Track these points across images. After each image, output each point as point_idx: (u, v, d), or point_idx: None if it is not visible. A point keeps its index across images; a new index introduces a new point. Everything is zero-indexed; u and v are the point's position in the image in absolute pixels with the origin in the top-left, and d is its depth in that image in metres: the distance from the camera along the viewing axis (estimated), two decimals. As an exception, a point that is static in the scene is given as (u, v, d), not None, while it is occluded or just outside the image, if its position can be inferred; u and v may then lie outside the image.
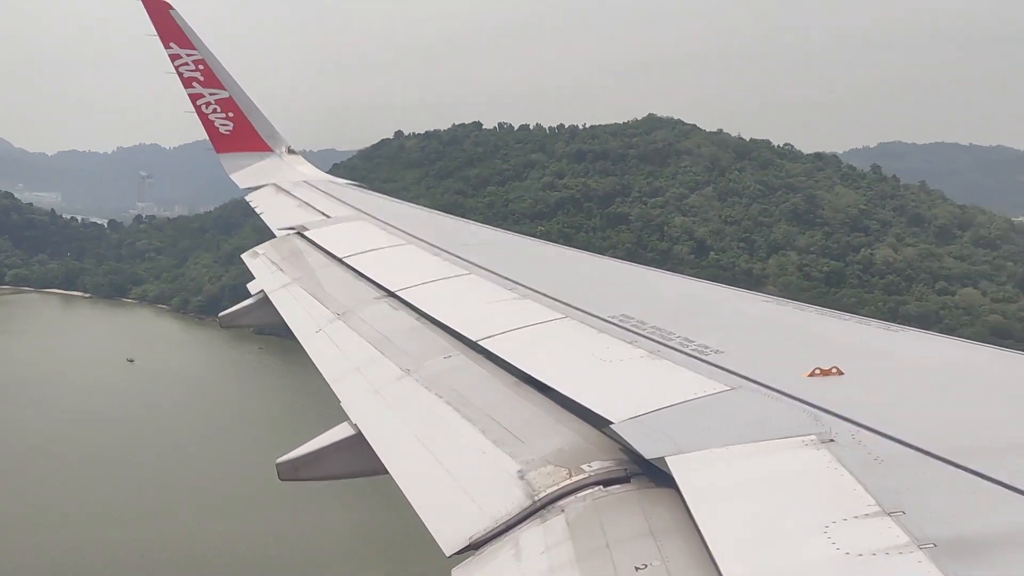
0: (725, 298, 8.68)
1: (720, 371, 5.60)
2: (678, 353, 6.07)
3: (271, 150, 20.64)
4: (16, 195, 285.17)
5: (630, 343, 6.42)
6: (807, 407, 4.81)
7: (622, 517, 4.30)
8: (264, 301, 11.59)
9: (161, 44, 19.11)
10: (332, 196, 17.00)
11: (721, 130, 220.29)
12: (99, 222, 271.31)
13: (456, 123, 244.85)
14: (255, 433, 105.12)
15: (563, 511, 4.51)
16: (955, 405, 5.06)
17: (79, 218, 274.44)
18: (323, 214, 15.20)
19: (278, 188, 18.44)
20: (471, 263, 9.82)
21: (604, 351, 6.35)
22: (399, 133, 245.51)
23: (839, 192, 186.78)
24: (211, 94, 19.66)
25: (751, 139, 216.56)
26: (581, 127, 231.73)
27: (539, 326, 7.24)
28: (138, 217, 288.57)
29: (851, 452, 4.17)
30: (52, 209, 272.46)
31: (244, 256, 14.11)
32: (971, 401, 5.13)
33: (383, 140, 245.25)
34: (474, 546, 4.57)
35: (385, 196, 20.45)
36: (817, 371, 5.37)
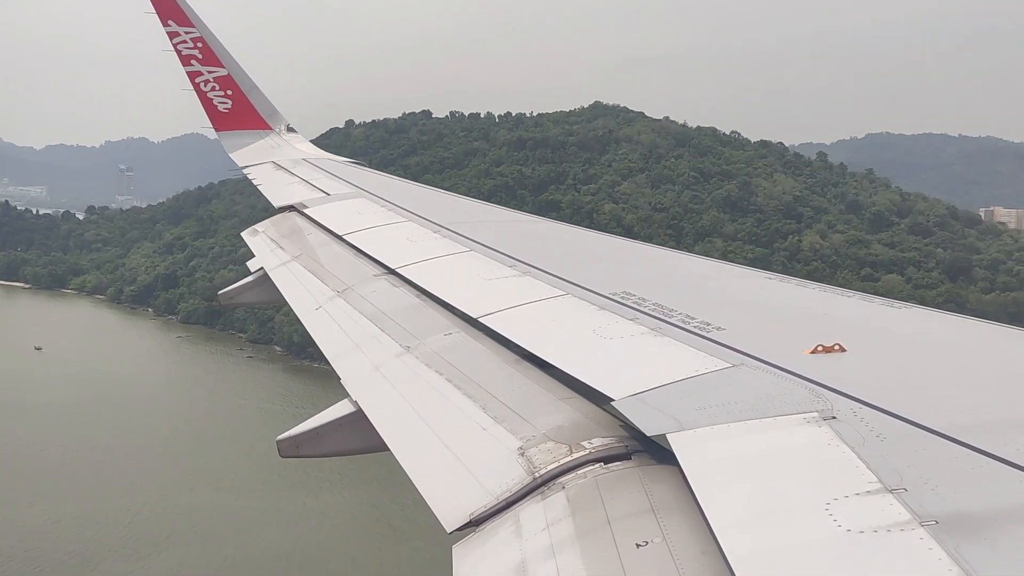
0: (727, 275, 8.65)
1: (722, 348, 5.58)
2: (679, 330, 6.05)
3: (270, 128, 20.55)
4: (0, 189, 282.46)
5: (631, 320, 6.40)
6: (809, 384, 4.80)
7: (623, 494, 4.29)
8: (263, 279, 11.57)
9: (159, 22, 18.98)
10: (331, 174, 16.93)
11: (667, 117, 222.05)
12: (75, 214, 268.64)
13: (407, 112, 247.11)
14: (146, 417, 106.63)
15: (564, 488, 4.50)
16: (957, 382, 5.04)
17: (35, 210, 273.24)
18: (322, 192, 15.15)
19: (277, 166, 18.37)
20: (471, 240, 9.79)
21: (605, 328, 6.33)
22: (350, 122, 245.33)
23: (777, 180, 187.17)
24: (209, 72, 19.54)
25: (697, 127, 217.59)
26: (529, 115, 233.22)
27: (540, 303, 7.22)
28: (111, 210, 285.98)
29: (853, 429, 4.16)
30: (6, 200, 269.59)
31: (244, 234, 14.08)
32: (973, 378, 5.11)
33: (332, 128, 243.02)
34: (475, 523, 4.57)
35: (385, 174, 20.39)
36: (819, 348, 5.35)
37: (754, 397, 4.74)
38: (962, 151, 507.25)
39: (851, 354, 5.32)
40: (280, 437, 7.29)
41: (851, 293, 7.54)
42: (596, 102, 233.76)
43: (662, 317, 6.37)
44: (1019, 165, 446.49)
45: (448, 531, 4.62)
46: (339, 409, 6.80)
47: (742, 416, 4.49)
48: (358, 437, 6.60)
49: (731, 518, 3.66)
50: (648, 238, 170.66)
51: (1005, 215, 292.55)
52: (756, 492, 3.83)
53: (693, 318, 6.25)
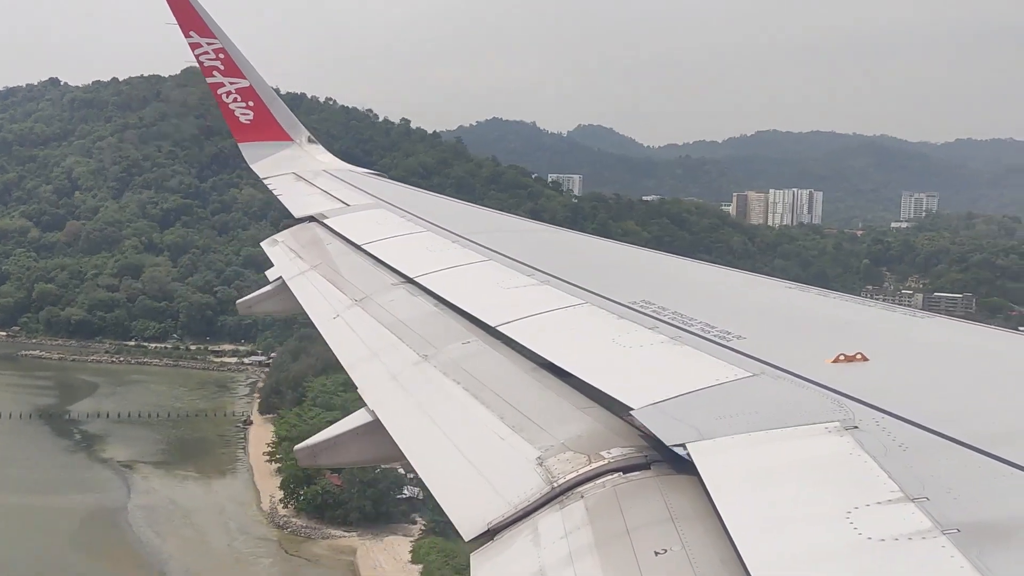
0: (747, 284, 8.61)
1: (742, 357, 5.54)
2: (699, 339, 6.01)
3: (291, 139, 20.64)
4: None
5: (650, 329, 6.37)
6: (830, 393, 4.75)
7: (642, 503, 4.27)
8: (282, 288, 11.62)
9: (181, 33, 19.13)
10: (351, 184, 17.01)
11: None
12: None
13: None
14: None
15: (582, 497, 4.48)
16: (980, 391, 4.98)
17: None
18: (342, 202, 15.21)
19: (298, 177, 18.47)
20: (490, 249, 9.78)
21: (624, 337, 6.31)
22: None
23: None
24: (231, 83, 19.65)
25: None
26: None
27: (558, 312, 7.20)
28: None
29: (875, 438, 4.12)
30: None
31: (263, 244, 14.16)
32: (996, 387, 5.05)
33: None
34: (493, 532, 4.55)
35: (404, 185, 20.47)
36: (841, 357, 5.30)
37: (775, 407, 4.70)
38: (844, 147, 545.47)
39: (874, 364, 5.27)
40: (298, 447, 7.30)
41: (873, 302, 7.49)
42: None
43: (681, 326, 6.33)
44: (872, 160, 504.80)
45: (466, 540, 4.60)
46: (356, 418, 6.80)
47: (763, 426, 4.45)
48: (375, 446, 6.60)
49: (751, 527, 3.62)
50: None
51: (756, 198, 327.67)
52: (776, 501, 3.79)
53: (713, 327, 6.21)
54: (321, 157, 20.45)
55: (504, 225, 13.30)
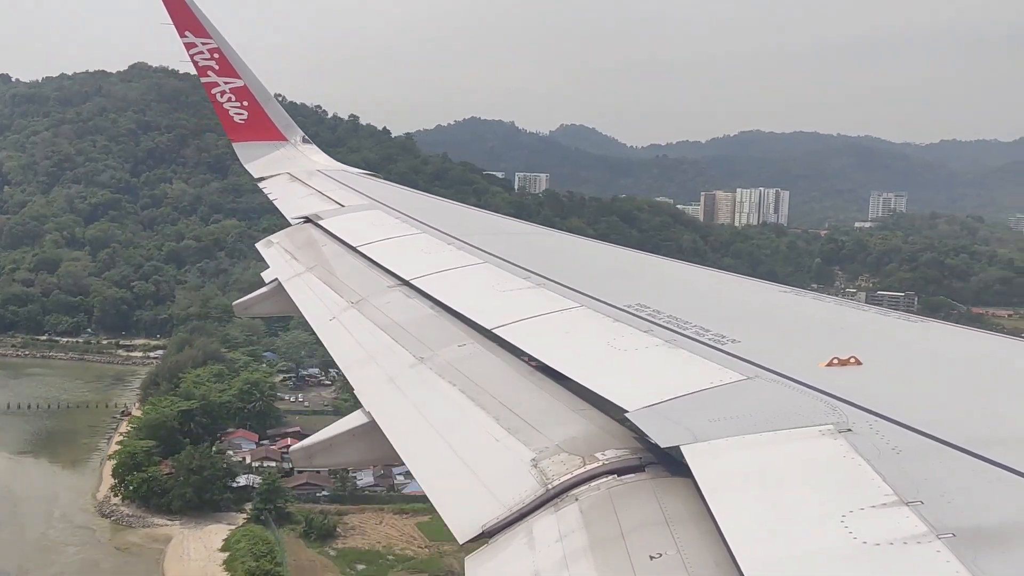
0: (741, 287, 8.62)
1: (736, 360, 5.55)
2: (694, 342, 6.02)
3: (286, 139, 20.62)
4: None
5: (645, 332, 6.38)
6: (824, 396, 4.77)
7: (636, 506, 4.28)
8: (278, 289, 11.61)
9: (176, 33, 19.10)
10: (346, 185, 16.99)
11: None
12: None
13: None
14: None
15: (577, 500, 4.49)
16: (974, 395, 5.01)
17: None
18: (337, 203, 15.19)
19: (292, 177, 18.44)
20: (485, 252, 9.79)
21: (619, 340, 6.32)
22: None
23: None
24: (226, 83, 19.63)
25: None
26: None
27: (553, 315, 7.21)
28: None
29: (868, 442, 4.13)
30: None
31: (258, 245, 14.13)
32: (990, 391, 5.08)
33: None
34: (487, 534, 4.55)
35: (399, 186, 20.44)
36: (835, 361, 5.32)
37: (769, 410, 4.72)
38: (826, 148, 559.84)
39: (867, 367, 5.29)
40: (293, 448, 7.30)
41: (867, 307, 7.52)
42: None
43: (676, 329, 6.35)
44: (852, 160, 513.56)
45: (461, 542, 4.61)
46: (352, 420, 6.81)
47: (757, 428, 4.46)
48: (371, 448, 6.61)
49: (745, 530, 3.63)
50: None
51: (724, 197, 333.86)
52: (771, 504, 3.81)
53: (707, 330, 6.23)
54: (315, 157, 20.43)
55: (500, 227, 13.30)
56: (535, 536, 4.35)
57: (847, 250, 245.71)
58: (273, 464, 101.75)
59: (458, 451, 5.51)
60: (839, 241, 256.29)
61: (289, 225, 14.66)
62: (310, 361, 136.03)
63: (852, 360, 5.33)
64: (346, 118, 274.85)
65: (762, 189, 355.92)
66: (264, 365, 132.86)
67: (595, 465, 4.74)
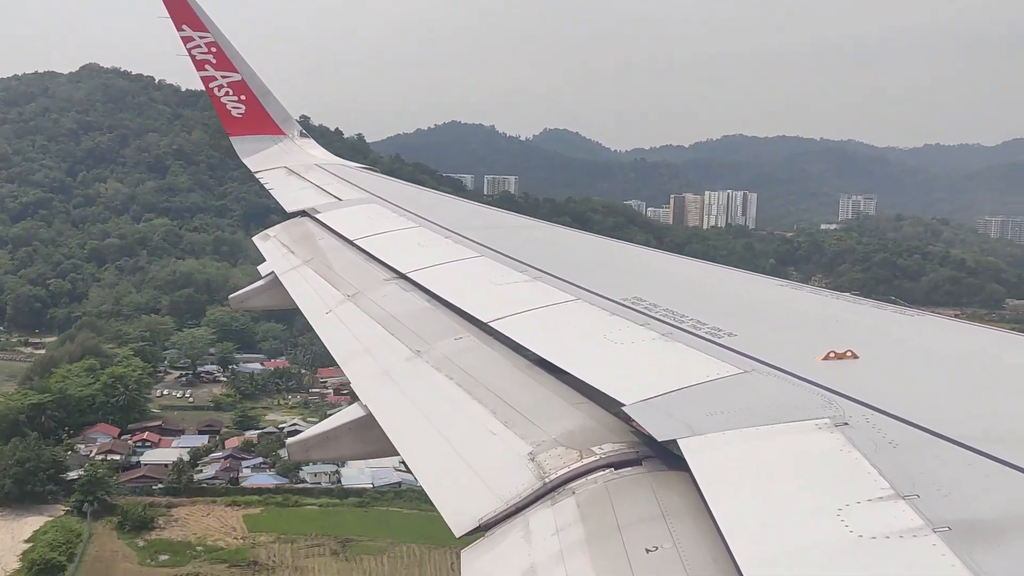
0: (738, 281, 8.62)
1: (733, 354, 5.55)
2: (690, 336, 6.02)
3: (284, 133, 20.59)
4: None
5: (642, 325, 6.37)
6: (821, 390, 4.76)
7: (633, 500, 4.27)
8: (274, 283, 11.60)
9: (174, 27, 19.04)
10: (344, 179, 16.98)
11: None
12: None
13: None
14: None
15: (574, 493, 4.48)
16: (971, 390, 5.01)
17: None
18: (335, 197, 15.18)
19: (290, 171, 18.42)
20: (482, 245, 9.78)
21: (616, 333, 6.31)
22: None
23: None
24: (223, 77, 19.58)
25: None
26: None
27: (550, 308, 7.21)
28: None
29: (865, 435, 4.13)
30: None
31: (255, 238, 14.12)
32: (987, 386, 5.08)
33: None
34: (484, 527, 4.55)
35: (397, 179, 20.41)
36: (832, 355, 5.32)
37: (766, 403, 4.71)
38: (807, 152, 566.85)
39: (864, 361, 5.28)
40: (290, 441, 7.30)
41: (864, 300, 7.51)
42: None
43: (673, 323, 6.34)
44: (831, 164, 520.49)
45: (457, 536, 4.61)
46: (349, 413, 6.81)
47: (754, 422, 4.46)
48: (368, 441, 6.60)
49: (742, 524, 3.63)
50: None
51: (692, 200, 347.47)
52: (767, 498, 3.80)
53: (704, 324, 6.22)
54: (313, 151, 20.41)
55: (497, 221, 13.30)
56: (532, 529, 4.34)
57: (803, 251, 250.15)
58: (118, 457, 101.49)
59: (455, 444, 5.50)
60: (795, 242, 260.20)
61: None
62: (209, 358, 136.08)
63: (849, 354, 5.32)
64: (296, 118, 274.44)
65: (730, 192, 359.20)
66: (137, 360, 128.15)
67: (592, 459, 4.73)
